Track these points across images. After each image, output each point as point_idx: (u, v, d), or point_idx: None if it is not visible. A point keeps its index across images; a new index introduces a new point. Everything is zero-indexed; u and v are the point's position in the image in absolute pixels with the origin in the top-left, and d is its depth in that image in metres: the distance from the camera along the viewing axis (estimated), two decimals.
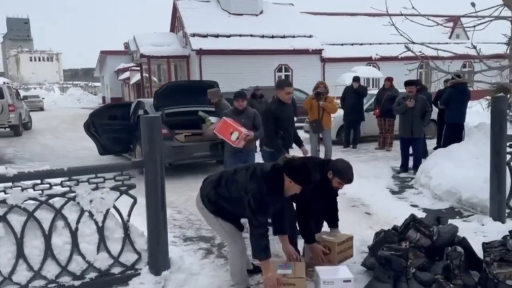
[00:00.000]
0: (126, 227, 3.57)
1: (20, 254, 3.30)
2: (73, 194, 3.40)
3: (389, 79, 10.10)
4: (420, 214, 4.97)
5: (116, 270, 3.59)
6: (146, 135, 3.49)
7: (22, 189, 3.28)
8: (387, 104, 9.61)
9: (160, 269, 3.63)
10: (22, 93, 38.41)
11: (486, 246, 3.53)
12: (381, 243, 3.72)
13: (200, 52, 20.29)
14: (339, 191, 4.04)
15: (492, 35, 9.09)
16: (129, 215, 3.60)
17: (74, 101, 42.13)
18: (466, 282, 3.44)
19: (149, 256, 3.64)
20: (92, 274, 3.51)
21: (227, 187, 3.22)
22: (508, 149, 4.87)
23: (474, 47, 6.45)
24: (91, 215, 3.46)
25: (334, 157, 9.30)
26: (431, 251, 3.71)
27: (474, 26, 6.75)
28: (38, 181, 3.30)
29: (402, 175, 7.80)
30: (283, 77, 22.20)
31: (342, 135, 11.17)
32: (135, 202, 3.60)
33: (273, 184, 3.08)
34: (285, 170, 3.11)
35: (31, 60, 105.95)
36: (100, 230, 3.50)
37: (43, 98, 35.32)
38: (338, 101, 10.51)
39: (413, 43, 7.15)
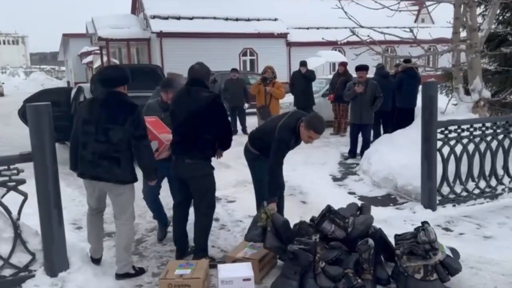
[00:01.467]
0: (16, 225, 3.27)
1: None
2: None
3: (343, 64, 9.94)
4: (356, 202, 4.85)
5: (7, 272, 3.30)
6: (34, 125, 3.18)
7: None
8: (341, 89, 9.45)
9: (57, 270, 3.36)
10: None
11: (398, 238, 3.40)
12: (296, 235, 3.56)
13: (161, 35, 19.65)
14: None
15: None
16: (19, 213, 3.29)
17: (37, 86, 40.46)
18: (379, 276, 3.32)
19: (44, 256, 3.36)
20: None
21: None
22: (439, 136, 4.77)
23: (411, 31, 6.30)
24: None
25: None
26: (346, 244, 3.57)
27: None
28: None
29: (350, 161, 7.69)
30: (248, 61, 21.88)
31: None
32: (25, 199, 3.30)
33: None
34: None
35: None
36: None
37: (2, 83, 33.98)
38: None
39: (361, 27, 7.00)
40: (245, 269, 3.01)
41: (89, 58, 31.43)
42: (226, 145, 3.85)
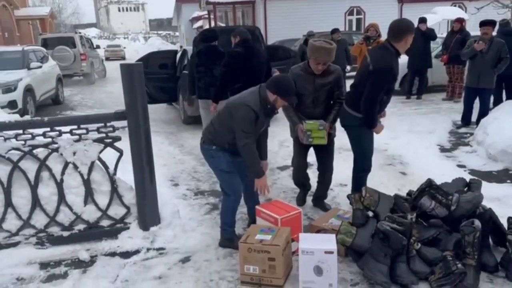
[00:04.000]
0: (112, 180, 3.47)
1: (8, 203, 3.36)
2: (56, 145, 3.34)
3: (459, 21, 8.79)
4: (466, 177, 4.30)
5: (105, 223, 3.55)
6: (126, 84, 3.26)
7: (5, 139, 3.27)
8: (455, 49, 8.44)
9: (149, 224, 3.52)
10: (107, 43, 40.75)
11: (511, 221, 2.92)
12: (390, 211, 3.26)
13: None
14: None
15: None
16: (115, 168, 3.47)
17: (154, 50, 43.48)
18: (484, 262, 2.90)
19: (137, 210, 3.54)
20: (81, 226, 3.51)
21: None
22: None
23: None
24: (75, 167, 3.39)
25: (391, 109, 8.64)
26: (448, 223, 3.17)
27: None
28: (20, 131, 3.26)
29: (462, 130, 6.90)
30: (354, 21, 20.71)
31: (405, 85, 10.15)
32: (121, 155, 3.46)
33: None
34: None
35: (119, 10, 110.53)
36: (86, 183, 3.43)
37: (124, 48, 36.86)
38: None
39: None
40: (329, 241, 2.82)
41: (199, 23, 32.43)
42: None
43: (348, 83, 10.99)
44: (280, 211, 3.28)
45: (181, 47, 39.45)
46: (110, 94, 13.45)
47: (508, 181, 4.62)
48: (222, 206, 3.47)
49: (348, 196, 3.33)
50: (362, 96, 3.43)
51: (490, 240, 3.11)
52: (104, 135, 3.38)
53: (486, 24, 6.64)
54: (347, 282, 2.86)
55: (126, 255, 3.35)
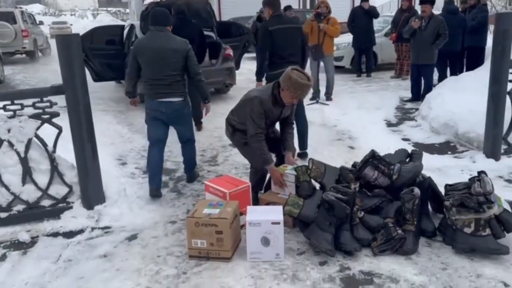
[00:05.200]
0: (52, 158, 3.31)
1: None
2: None
3: None
4: (410, 149, 4.45)
5: (46, 203, 3.40)
6: (64, 57, 3.09)
7: None
8: (404, 27, 8.64)
9: (93, 203, 3.41)
10: (52, 20, 38.65)
11: (449, 188, 3.07)
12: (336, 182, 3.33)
13: None
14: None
15: None
16: (54, 145, 3.32)
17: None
18: (424, 227, 3.03)
19: (80, 189, 3.41)
20: (20, 207, 3.34)
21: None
22: (511, 77, 4.17)
23: None
24: (11, 144, 3.20)
25: (342, 87, 8.80)
26: (390, 192, 3.28)
27: None
28: None
29: (408, 106, 7.15)
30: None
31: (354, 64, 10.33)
32: (60, 132, 3.30)
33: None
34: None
35: None
36: (23, 161, 3.26)
37: (71, 25, 35.18)
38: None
39: None
40: (275, 212, 2.84)
41: None
42: None
43: None
44: (228, 185, 3.27)
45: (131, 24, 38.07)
46: (56, 73, 12.64)
47: (449, 152, 4.84)
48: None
49: (295, 169, 3.36)
50: None
51: (430, 207, 3.25)
52: (40, 110, 3.20)
53: (424, 2, 6.87)
54: (293, 251, 2.91)
55: (69, 235, 3.23)
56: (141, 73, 3.78)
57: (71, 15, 53.95)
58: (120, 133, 6.11)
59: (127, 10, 60.95)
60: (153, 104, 3.74)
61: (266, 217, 2.80)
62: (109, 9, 77.20)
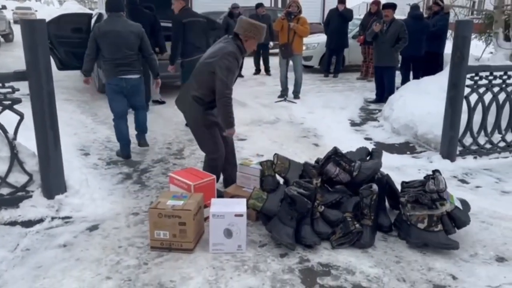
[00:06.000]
0: (12, 145, 3.23)
1: None
2: None
3: (375, 3, 9.23)
4: (371, 148, 4.61)
5: (5, 191, 3.31)
6: (27, 42, 3.02)
7: None
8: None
9: (53, 192, 3.35)
10: (16, 4, 37.14)
11: (405, 185, 3.20)
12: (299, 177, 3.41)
13: None
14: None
15: None
16: (15, 132, 3.24)
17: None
18: (380, 222, 3.16)
19: (41, 178, 3.34)
20: None
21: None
22: (468, 82, 4.38)
23: None
24: None
25: (310, 86, 8.95)
26: (351, 188, 3.39)
27: None
28: None
29: (372, 107, 7.35)
30: None
31: (324, 64, 10.51)
32: (21, 119, 3.23)
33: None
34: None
35: None
36: None
37: (36, 11, 33.95)
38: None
39: None
40: (239, 205, 2.89)
41: None
42: None
43: (272, 59, 11.12)
44: (193, 178, 3.29)
45: (100, 13, 37.09)
46: (18, 59, 12.28)
47: (408, 152, 5.03)
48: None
49: (261, 163, 3.42)
50: None
51: (387, 203, 3.39)
52: (2, 96, 3.11)
53: (386, 7, 7.15)
54: (255, 243, 2.96)
55: (28, 224, 3.17)
56: (102, 54, 4.33)
57: (36, 1, 51.95)
58: (84, 123, 6.00)
59: None
60: (115, 80, 4.35)
61: (229, 209, 2.84)
62: None
